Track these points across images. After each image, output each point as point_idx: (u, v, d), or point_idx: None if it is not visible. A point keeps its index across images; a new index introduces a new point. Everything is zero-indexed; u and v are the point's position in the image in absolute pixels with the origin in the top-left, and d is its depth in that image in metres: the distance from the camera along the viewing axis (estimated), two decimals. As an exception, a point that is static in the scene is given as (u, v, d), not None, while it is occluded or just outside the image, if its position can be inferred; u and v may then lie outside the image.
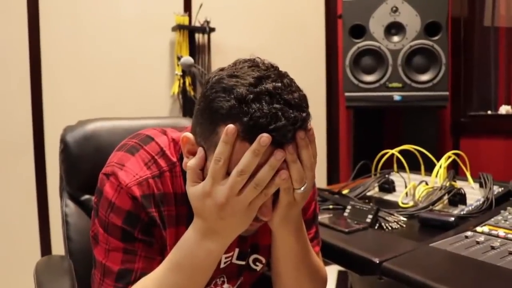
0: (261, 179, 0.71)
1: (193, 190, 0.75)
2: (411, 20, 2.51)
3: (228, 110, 0.71)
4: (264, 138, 0.68)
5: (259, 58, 0.78)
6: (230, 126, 0.69)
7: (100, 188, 0.87)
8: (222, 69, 0.78)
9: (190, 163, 0.76)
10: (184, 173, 0.87)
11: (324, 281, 1.02)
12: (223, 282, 0.99)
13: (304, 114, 0.72)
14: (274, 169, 0.71)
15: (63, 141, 1.27)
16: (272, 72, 0.74)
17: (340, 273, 2.67)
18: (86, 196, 1.27)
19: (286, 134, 0.70)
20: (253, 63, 0.76)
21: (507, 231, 1.12)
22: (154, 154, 0.88)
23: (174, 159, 0.88)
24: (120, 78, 2.55)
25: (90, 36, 2.47)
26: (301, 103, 0.73)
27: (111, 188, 0.84)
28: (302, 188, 0.75)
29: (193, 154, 0.79)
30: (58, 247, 2.36)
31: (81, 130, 1.28)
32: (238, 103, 0.70)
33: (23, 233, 2.33)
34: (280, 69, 0.78)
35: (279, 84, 0.72)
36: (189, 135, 0.79)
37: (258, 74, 0.73)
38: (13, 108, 2.29)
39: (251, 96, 0.70)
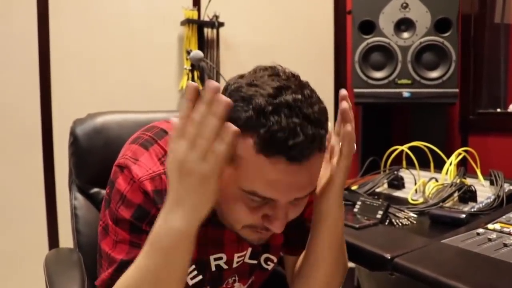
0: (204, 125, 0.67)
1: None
2: (421, 16, 2.49)
3: (245, 120, 0.69)
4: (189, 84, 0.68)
5: (280, 66, 0.77)
6: (191, 83, 0.68)
7: (113, 180, 0.87)
8: (241, 77, 0.76)
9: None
10: None
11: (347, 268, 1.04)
12: (234, 281, 0.99)
13: (322, 131, 0.71)
14: (216, 115, 0.67)
15: (72, 134, 1.27)
16: (292, 83, 0.73)
17: (346, 269, 2.65)
18: (95, 189, 1.28)
19: (303, 151, 0.69)
20: (274, 72, 0.74)
21: (519, 228, 1.12)
22: (167, 149, 0.87)
23: None
24: (128, 72, 2.55)
25: (99, 30, 2.47)
26: (321, 118, 0.72)
27: (124, 181, 0.84)
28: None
29: None
30: (65, 240, 2.36)
31: (91, 123, 1.28)
32: (256, 114, 0.68)
33: (31, 226, 2.34)
34: (301, 78, 0.76)
35: (299, 96, 0.70)
36: None
37: (278, 84, 0.71)
38: (22, 102, 2.30)
39: (270, 108, 0.68)
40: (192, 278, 0.93)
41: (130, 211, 0.82)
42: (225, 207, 0.81)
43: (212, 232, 0.90)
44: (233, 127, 0.68)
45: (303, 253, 0.98)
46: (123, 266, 0.81)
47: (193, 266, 0.92)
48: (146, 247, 0.77)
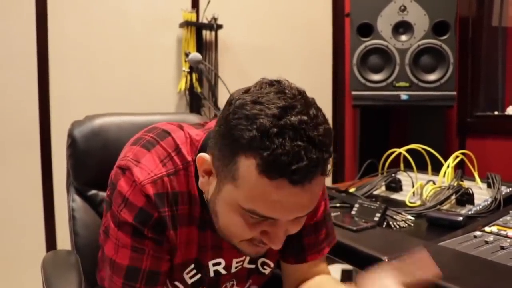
0: None
1: None
2: (419, 19, 2.49)
3: (249, 141, 0.68)
4: None
5: (286, 81, 0.75)
6: None
7: (115, 182, 0.86)
8: (246, 91, 0.74)
9: None
10: (197, 174, 0.86)
11: None
12: (232, 285, 0.99)
13: (326, 155, 0.70)
14: None
15: (70, 136, 1.27)
16: (298, 102, 0.71)
17: (344, 272, 2.66)
18: (93, 191, 1.27)
19: (307, 175, 0.68)
20: (279, 89, 0.73)
21: (516, 231, 1.12)
22: (170, 151, 0.87)
23: (189, 159, 0.87)
24: (127, 74, 2.55)
25: (98, 31, 2.47)
26: (325, 140, 0.70)
27: (126, 183, 0.83)
28: None
29: (209, 173, 0.78)
30: (63, 242, 2.36)
31: (89, 125, 1.28)
32: (260, 135, 0.67)
33: (28, 228, 2.33)
34: (307, 95, 0.74)
35: (305, 118, 0.69)
36: (206, 156, 0.78)
37: (283, 104, 0.69)
38: (20, 103, 2.29)
39: (275, 130, 0.67)
40: (191, 277, 0.93)
41: (132, 214, 0.82)
42: (224, 222, 0.81)
43: (211, 237, 0.90)
44: None
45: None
46: (130, 274, 0.82)
47: (192, 265, 0.92)
48: None
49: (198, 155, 0.79)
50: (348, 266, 2.61)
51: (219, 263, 0.94)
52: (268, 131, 0.67)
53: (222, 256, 0.93)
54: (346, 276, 2.64)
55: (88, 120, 1.30)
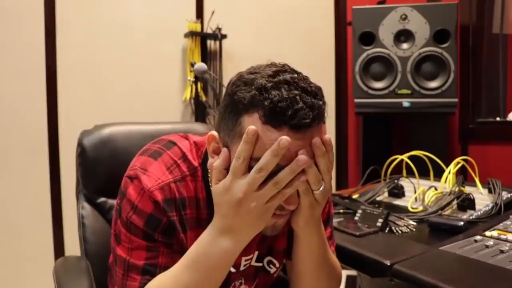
0: (281, 179, 0.74)
1: (216, 187, 0.78)
2: (420, 27, 2.53)
3: (249, 99, 0.75)
4: (284, 140, 0.71)
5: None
6: (251, 127, 0.73)
7: (124, 190, 0.89)
8: (241, 72, 0.82)
9: (216, 163, 0.79)
10: (204, 177, 0.90)
11: (339, 278, 1.04)
12: (240, 284, 1.01)
13: (320, 102, 0.77)
14: (294, 173, 0.74)
15: (80, 144, 1.30)
16: (288, 68, 0.80)
17: (348, 278, 2.68)
18: (102, 199, 1.30)
19: (305, 117, 0.73)
20: (270, 63, 0.82)
21: (516, 235, 1.14)
22: (176, 159, 0.91)
23: (196, 164, 0.91)
24: (133, 84, 2.59)
25: (104, 42, 2.51)
26: (317, 92, 0.77)
27: (135, 191, 0.87)
28: (320, 189, 0.79)
29: (218, 153, 0.81)
30: (71, 248, 2.39)
31: (98, 134, 1.31)
32: (259, 91, 0.74)
33: (37, 234, 2.36)
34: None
35: (296, 75, 0.77)
36: (215, 133, 0.83)
37: (275, 69, 0.78)
38: (29, 113, 2.33)
39: (271, 84, 0.74)
40: None
41: (142, 220, 0.85)
42: None
43: None
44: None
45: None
46: (148, 270, 0.85)
47: None
48: (189, 264, 0.83)
49: (209, 133, 0.83)
50: (352, 272, 2.63)
51: None
52: (265, 86, 0.74)
53: None
54: (350, 282, 2.65)
55: (96, 129, 1.33)
